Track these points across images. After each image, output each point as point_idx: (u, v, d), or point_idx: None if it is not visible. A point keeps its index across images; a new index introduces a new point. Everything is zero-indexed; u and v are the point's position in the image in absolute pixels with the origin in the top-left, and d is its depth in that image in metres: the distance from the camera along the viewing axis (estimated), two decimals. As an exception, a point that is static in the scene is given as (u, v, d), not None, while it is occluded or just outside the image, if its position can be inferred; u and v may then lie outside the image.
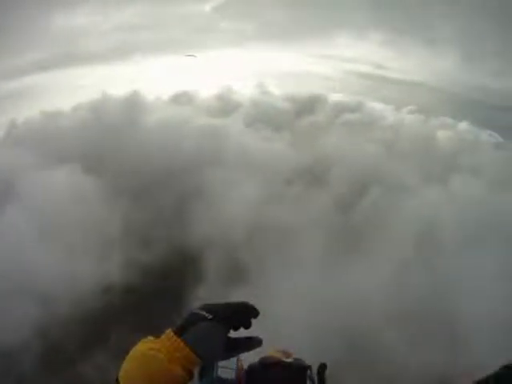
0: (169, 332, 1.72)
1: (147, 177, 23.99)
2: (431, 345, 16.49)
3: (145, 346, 1.68)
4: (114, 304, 18.42)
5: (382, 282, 18.94)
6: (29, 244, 18.59)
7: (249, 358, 1.90)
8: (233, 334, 1.78)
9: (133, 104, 29.15)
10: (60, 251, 18.74)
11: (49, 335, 16.79)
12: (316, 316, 17.35)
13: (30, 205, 20.35)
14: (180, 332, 1.71)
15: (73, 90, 30.88)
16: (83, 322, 17.51)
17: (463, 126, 35.04)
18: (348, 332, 16.87)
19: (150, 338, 1.74)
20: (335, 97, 37.24)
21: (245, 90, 36.26)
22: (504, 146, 31.30)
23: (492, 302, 17.28)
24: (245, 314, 1.78)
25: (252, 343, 1.82)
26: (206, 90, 34.92)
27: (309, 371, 1.88)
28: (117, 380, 1.66)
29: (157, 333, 1.76)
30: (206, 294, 18.62)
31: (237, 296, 17.47)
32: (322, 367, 1.90)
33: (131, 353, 1.69)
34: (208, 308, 1.76)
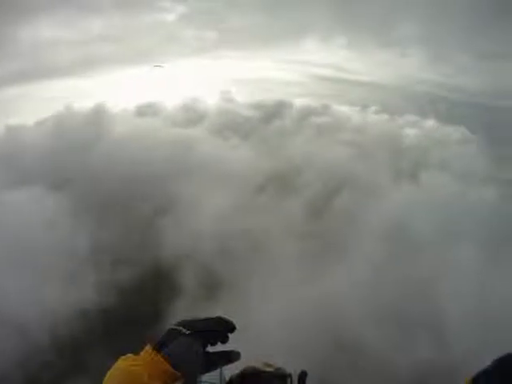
0: (148, 348, 1.69)
1: (116, 191, 23.48)
2: (413, 340, 16.59)
3: (125, 363, 1.67)
4: (91, 328, 17.85)
5: (359, 281, 18.88)
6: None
7: (235, 369, 1.90)
8: (215, 347, 1.78)
9: (98, 117, 28.77)
10: (30, 277, 17.99)
11: (28, 365, 16.10)
12: (297, 319, 17.16)
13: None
14: (159, 348, 1.68)
15: (37, 103, 30.40)
16: (62, 349, 16.92)
17: (429, 123, 35.81)
18: (331, 332, 16.81)
19: (130, 355, 1.71)
20: (301, 101, 37.68)
21: (210, 98, 36.38)
22: (469, 141, 32.00)
23: (467, 294, 17.62)
24: (221, 328, 1.78)
25: (230, 357, 1.80)
26: (172, 101, 34.86)
27: (289, 380, 1.88)
28: None
29: (137, 351, 1.71)
30: (183, 308, 18.34)
31: (215, 307, 17.34)
32: (303, 375, 1.90)
33: (112, 370, 1.66)
34: (185, 324, 1.76)
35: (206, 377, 1.88)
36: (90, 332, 17.80)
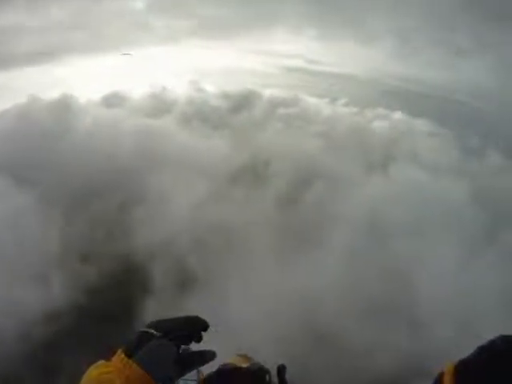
0: (119, 354, 1.67)
1: (83, 185, 22.67)
2: (391, 332, 16.69)
3: (97, 371, 1.64)
4: (62, 329, 17.12)
5: (335, 273, 18.93)
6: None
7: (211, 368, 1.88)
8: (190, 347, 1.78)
9: (63, 107, 27.75)
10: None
11: None
12: (275, 313, 17.08)
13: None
14: (130, 353, 1.66)
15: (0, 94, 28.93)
16: (32, 355, 16.17)
17: (397, 115, 36.11)
18: (310, 326, 16.75)
19: (101, 361, 1.69)
20: (270, 92, 37.42)
21: (179, 88, 35.72)
22: (437, 134, 32.43)
23: (442, 284, 17.90)
24: (194, 328, 1.78)
25: (205, 357, 1.78)
26: (139, 90, 34.08)
27: (267, 376, 1.85)
28: None
29: (111, 352, 1.70)
30: (156, 305, 17.86)
31: (190, 303, 17.01)
32: (281, 368, 1.88)
33: (84, 379, 1.63)
34: (156, 325, 1.74)
35: (182, 379, 1.80)
36: (60, 333, 17.11)
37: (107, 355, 1.70)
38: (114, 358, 1.68)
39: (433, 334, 16.20)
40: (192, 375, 1.85)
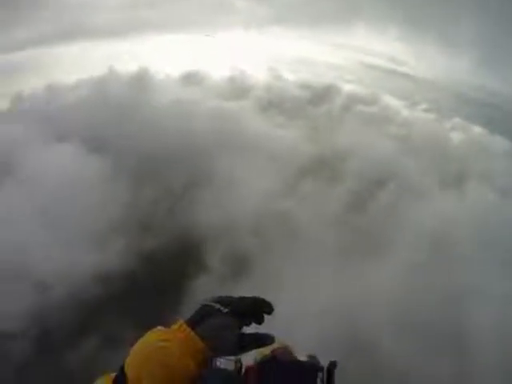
0: (181, 323, 1.65)
1: (152, 159, 22.95)
2: (437, 355, 15.62)
3: (155, 337, 1.61)
4: (111, 292, 17.46)
5: (388, 284, 18.11)
6: (24, 225, 17.63)
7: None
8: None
9: (141, 81, 28.06)
10: (57, 235, 17.78)
11: (44, 323, 15.98)
12: (321, 314, 16.58)
13: (29, 184, 19.41)
14: (193, 324, 1.65)
15: (78, 64, 29.86)
16: (79, 309, 16.57)
17: (476, 129, 34.25)
18: (352, 334, 16.02)
19: (160, 327, 1.67)
20: (349, 88, 36.38)
21: (257, 73, 35.25)
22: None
23: (505, 313, 16.53)
24: (260, 309, 1.76)
25: (265, 340, 1.73)
26: (218, 72, 33.78)
27: (321, 373, 1.73)
28: (122, 369, 1.58)
29: (155, 322, 1.69)
30: (207, 285, 17.86)
31: (239, 289, 16.74)
32: (332, 365, 1.78)
33: (140, 343, 1.61)
34: (222, 301, 1.73)
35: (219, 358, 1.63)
36: (109, 296, 17.43)
37: (153, 323, 1.67)
38: (175, 327, 1.64)
39: (477, 366, 15.22)
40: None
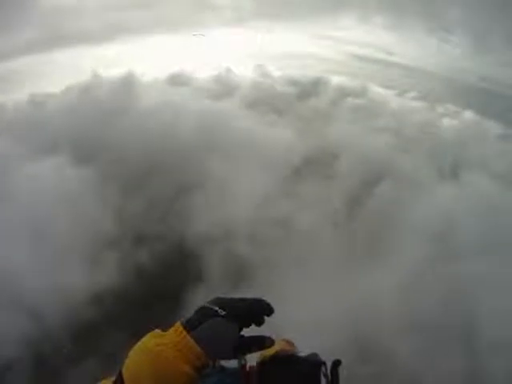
0: (178, 326, 1.67)
1: (142, 164, 22.42)
2: (447, 355, 15.30)
3: (152, 341, 1.63)
4: (108, 310, 17.06)
5: (394, 283, 17.67)
6: (11, 246, 17.00)
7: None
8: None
9: (126, 85, 27.42)
10: (46, 255, 17.21)
11: (40, 349, 15.54)
12: (325, 321, 16.11)
13: (14, 203, 18.68)
14: (190, 327, 1.65)
15: (62, 71, 29.15)
16: (76, 333, 16.22)
17: (468, 114, 33.95)
18: (358, 337, 15.79)
19: (158, 331, 1.70)
20: (338, 80, 35.95)
21: (244, 71, 34.89)
22: (509, 136, 30.10)
23: (506, 312, 15.76)
24: (260, 311, 1.74)
25: (264, 343, 1.74)
26: (204, 71, 33.48)
27: (323, 367, 1.77)
28: (120, 373, 1.62)
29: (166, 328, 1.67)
30: (206, 295, 17.24)
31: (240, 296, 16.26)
32: (336, 363, 1.81)
33: (137, 346, 1.64)
34: (220, 303, 1.73)
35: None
36: (105, 314, 17.03)
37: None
38: (172, 330, 1.66)
39: (489, 365, 14.78)
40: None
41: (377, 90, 36.33)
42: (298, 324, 15.29)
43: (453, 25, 38.19)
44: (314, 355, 1.84)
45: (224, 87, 31.56)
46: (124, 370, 1.61)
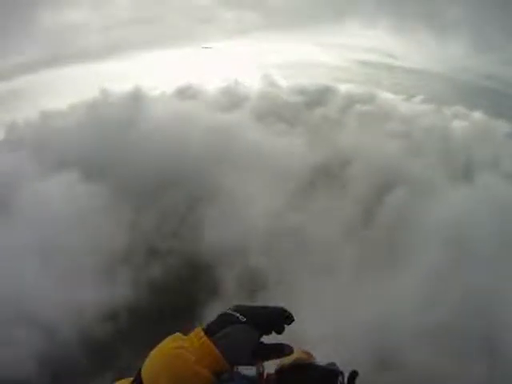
0: (199, 331, 1.67)
1: (153, 180, 22.35)
2: (465, 361, 15.13)
3: (172, 344, 1.64)
4: (122, 327, 17.07)
5: (409, 291, 17.50)
6: (25, 263, 17.06)
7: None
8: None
9: (135, 100, 27.51)
10: (60, 270, 17.27)
11: (54, 366, 15.41)
12: (341, 329, 16.15)
13: (27, 220, 18.80)
14: (210, 332, 1.65)
15: (71, 88, 29.48)
16: (90, 350, 16.16)
17: (477, 115, 33.62)
18: (376, 346, 15.57)
19: (179, 334, 1.70)
20: (346, 87, 35.80)
21: (251, 82, 34.81)
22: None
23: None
24: (280, 319, 1.74)
25: (284, 350, 1.74)
26: (212, 84, 33.42)
27: (341, 377, 1.80)
28: (139, 373, 1.63)
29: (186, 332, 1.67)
30: (221, 308, 17.03)
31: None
32: (353, 375, 1.83)
33: (157, 348, 1.65)
34: (242, 310, 1.74)
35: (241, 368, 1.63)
36: (119, 330, 17.04)
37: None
38: (192, 334, 1.66)
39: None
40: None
41: (384, 96, 36.13)
42: (315, 334, 15.18)
43: (456, 24, 38.17)
44: (332, 365, 1.87)
45: (233, 99, 31.52)
46: (143, 371, 1.63)
